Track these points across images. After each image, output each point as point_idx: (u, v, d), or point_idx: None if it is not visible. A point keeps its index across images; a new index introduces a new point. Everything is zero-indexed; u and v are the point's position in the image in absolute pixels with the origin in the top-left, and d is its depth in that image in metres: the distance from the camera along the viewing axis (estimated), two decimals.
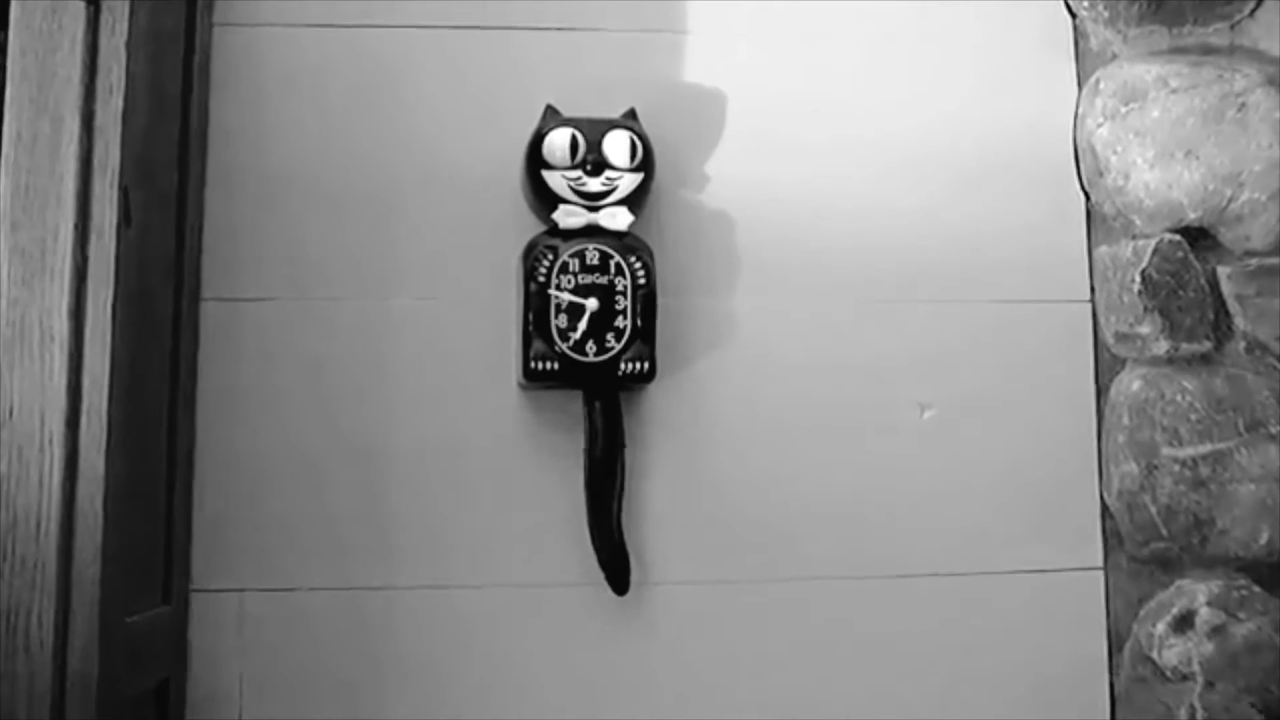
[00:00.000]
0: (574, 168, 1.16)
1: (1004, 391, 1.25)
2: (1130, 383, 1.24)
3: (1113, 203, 1.26)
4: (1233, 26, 1.31)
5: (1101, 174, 1.26)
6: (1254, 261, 1.25)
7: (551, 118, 1.19)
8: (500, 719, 1.16)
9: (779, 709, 1.19)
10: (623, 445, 1.17)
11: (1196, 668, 1.19)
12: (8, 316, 0.85)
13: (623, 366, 1.15)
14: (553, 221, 1.16)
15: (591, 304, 1.15)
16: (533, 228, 1.19)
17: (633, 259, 1.16)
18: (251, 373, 1.18)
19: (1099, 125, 1.26)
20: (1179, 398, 1.22)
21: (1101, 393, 1.27)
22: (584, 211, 1.16)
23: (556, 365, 1.14)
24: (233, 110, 1.20)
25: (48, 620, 0.82)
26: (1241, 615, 1.20)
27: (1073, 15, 1.31)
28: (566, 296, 1.15)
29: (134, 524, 0.95)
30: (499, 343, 1.19)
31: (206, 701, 1.13)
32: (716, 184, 1.24)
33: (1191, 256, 1.23)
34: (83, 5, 0.88)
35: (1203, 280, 1.23)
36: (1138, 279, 1.22)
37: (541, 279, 1.15)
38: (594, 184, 1.16)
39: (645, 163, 1.17)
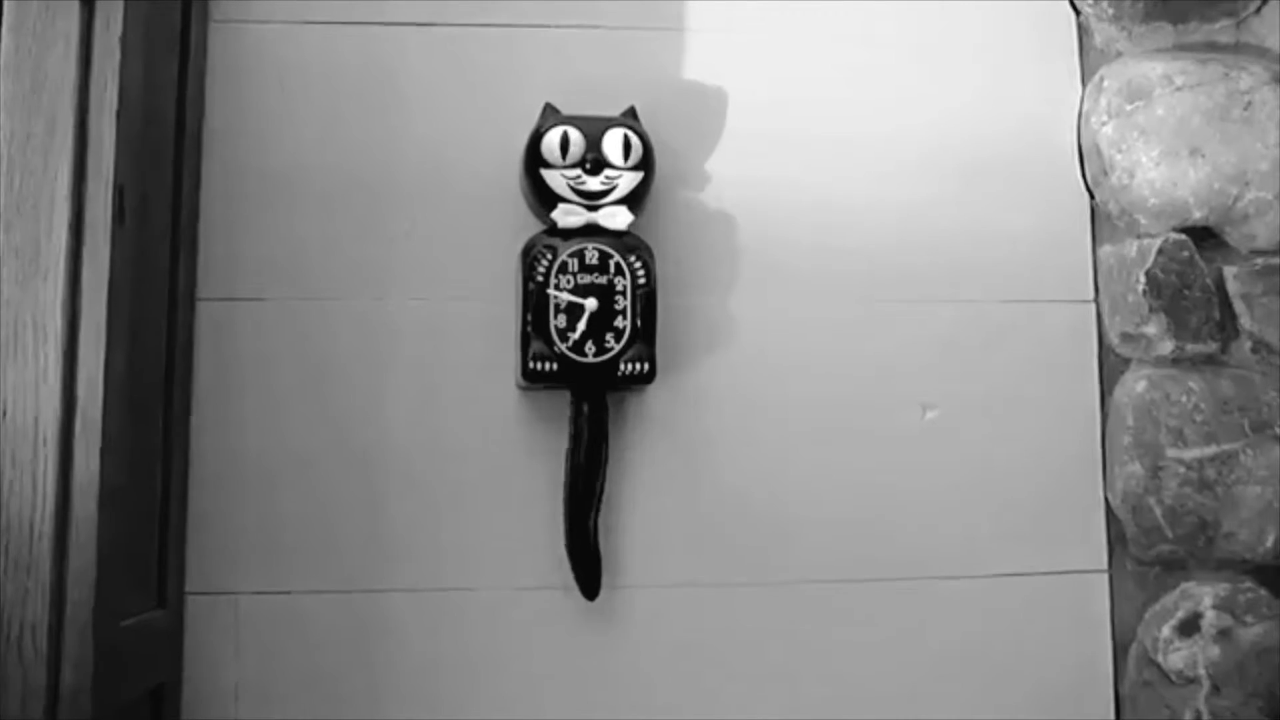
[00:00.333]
0: (573, 166, 1.16)
1: (1007, 392, 1.25)
2: (1135, 383, 1.24)
3: (1117, 202, 1.26)
4: (1238, 23, 1.31)
5: (1106, 172, 1.26)
6: (1260, 261, 1.25)
7: (550, 116, 1.19)
8: None
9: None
10: (606, 447, 1.17)
11: (1202, 672, 1.19)
12: (2, 317, 0.85)
13: (622, 367, 1.15)
14: (551, 221, 1.16)
15: (591, 304, 1.15)
16: (531, 227, 1.19)
17: (632, 258, 1.16)
18: (247, 373, 1.18)
19: (1103, 123, 1.26)
20: (1184, 399, 1.22)
21: (1106, 394, 1.27)
22: (583, 210, 1.16)
23: (555, 366, 1.15)
24: (229, 108, 1.20)
25: (41, 624, 0.82)
26: (1248, 618, 1.20)
27: (1077, 12, 1.31)
28: (565, 296, 1.15)
29: (129, 526, 0.95)
30: (497, 343, 1.19)
31: (202, 706, 1.13)
32: (717, 183, 1.25)
33: (1197, 256, 1.23)
34: (77, 4, 0.88)
35: (1208, 280, 1.23)
36: (1142, 279, 1.22)
37: (540, 278, 1.15)
38: (593, 183, 1.16)
39: (645, 161, 1.18)
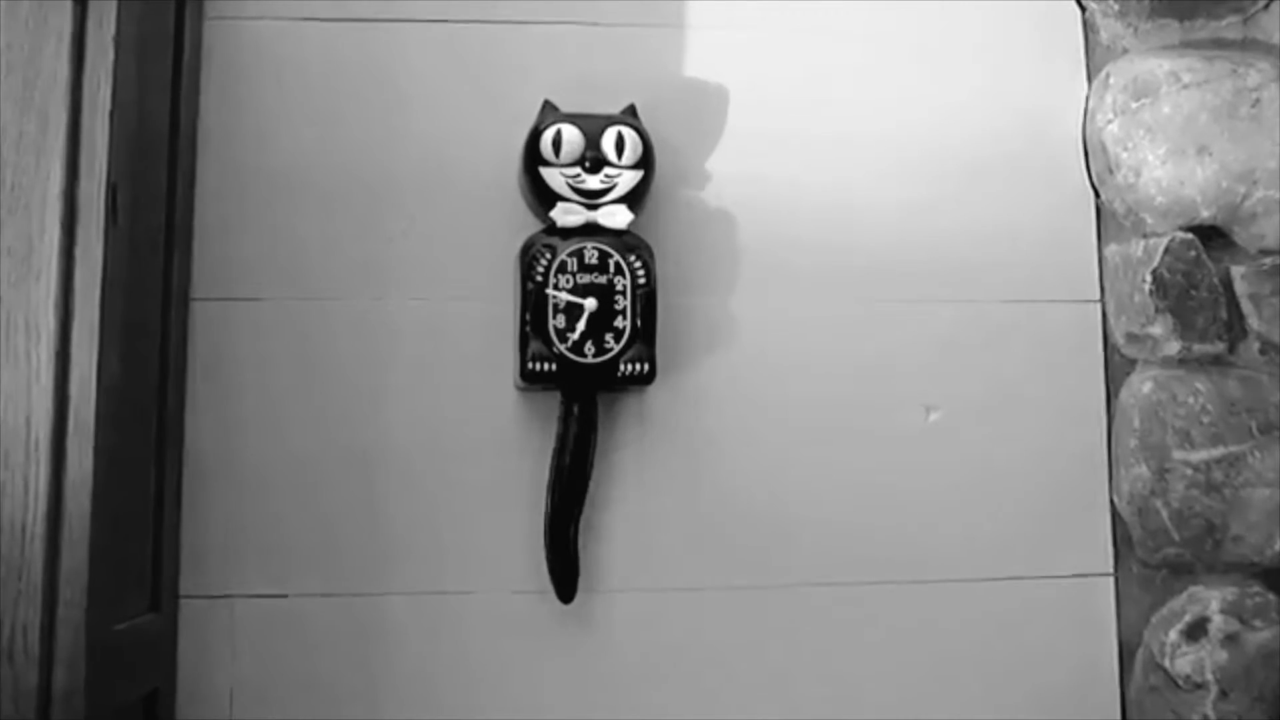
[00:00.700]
0: (572, 165, 1.16)
1: (1011, 393, 1.25)
2: (1141, 385, 1.24)
3: (1123, 200, 1.26)
4: (1246, 20, 1.31)
5: (1112, 171, 1.26)
6: (1268, 260, 1.25)
7: (550, 114, 1.19)
8: None
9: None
10: (593, 450, 1.17)
11: (1210, 676, 1.19)
12: None
13: (622, 368, 1.15)
14: (551, 220, 1.16)
15: (590, 304, 1.15)
16: (530, 226, 1.19)
17: (632, 258, 1.16)
18: (243, 374, 1.18)
19: (1109, 121, 1.26)
20: (1191, 400, 1.22)
21: (1111, 395, 1.27)
22: (582, 209, 1.16)
23: (554, 366, 1.15)
24: (224, 106, 1.21)
25: (33, 628, 0.82)
26: (1256, 623, 1.20)
27: (1082, 9, 1.31)
28: (565, 296, 1.15)
29: (122, 528, 0.95)
30: (496, 343, 1.19)
31: (196, 711, 1.13)
32: (718, 181, 1.25)
33: (1204, 255, 1.23)
34: (69, 3, 0.88)
35: (1215, 280, 1.23)
36: (1149, 278, 1.22)
37: (539, 278, 1.15)
38: (593, 181, 1.16)
39: (645, 160, 1.18)
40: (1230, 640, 1.20)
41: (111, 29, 0.89)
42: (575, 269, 1.15)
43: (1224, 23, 1.30)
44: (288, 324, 1.19)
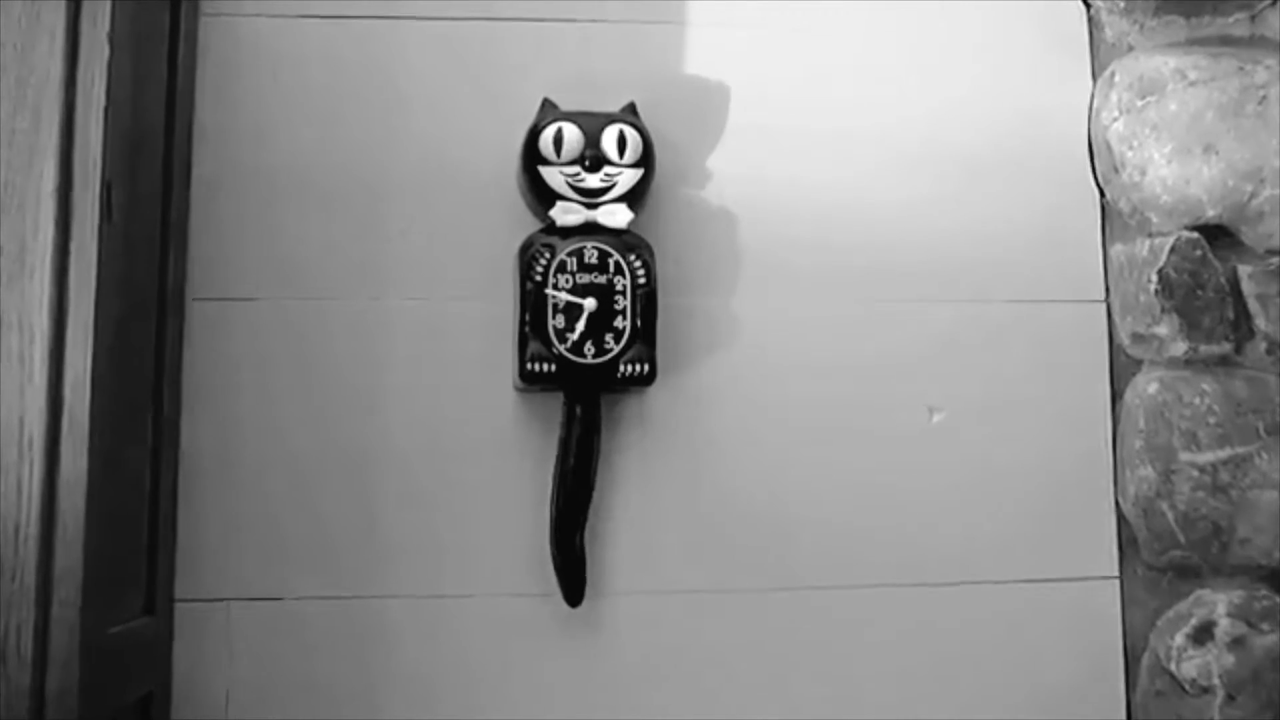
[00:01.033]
0: (572, 163, 1.16)
1: (1016, 394, 1.25)
2: (1146, 385, 1.24)
3: (1128, 199, 1.26)
4: (1253, 17, 1.31)
5: (1117, 169, 1.26)
6: (1275, 260, 1.25)
7: (549, 112, 1.19)
8: None
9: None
10: (597, 452, 1.17)
11: (1217, 680, 1.19)
12: None
13: (622, 368, 1.15)
14: (550, 219, 1.16)
15: (590, 304, 1.15)
16: (529, 225, 1.19)
17: (632, 257, 1.16)
18: (240, 374, 1.18)
19: (1114, 119, 1.26)
20: (1197, 401, 1.22)
21: (1117, 396, 1.27)
22: (582, 208, 1.16)
23: (553, 367, 1.15)
24: (220, 104, 1.21)
25: (27, 631, 0.82)
26: (1264, 626, 1.20)
27: (1087, 6, 1.31)
28: (564, 296, 1.15)
29: (116, 531, 0.95)
30: (494, 344, 1.19)
31: (192, 715, 1.13)
32: (719, 180, 1.25)
33: (1210, 255, 1.23)
34: (63, 2, 0.88)
35: (1222, 279, 1.23)
36: (1154, 278, 1.22)
37: (538, 278, 1.15)
38: (592, 180, 1.16)
39: (645, 158, 1.18)
40: (1237, 644, 1.20)
41: (106, 26, 0.89)
42: (575, 268, 1.15)
43: (1231, 19, 1.30)
44: (284, 324, 1.19)
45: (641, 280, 1.16)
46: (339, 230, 1.20)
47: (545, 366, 1.14)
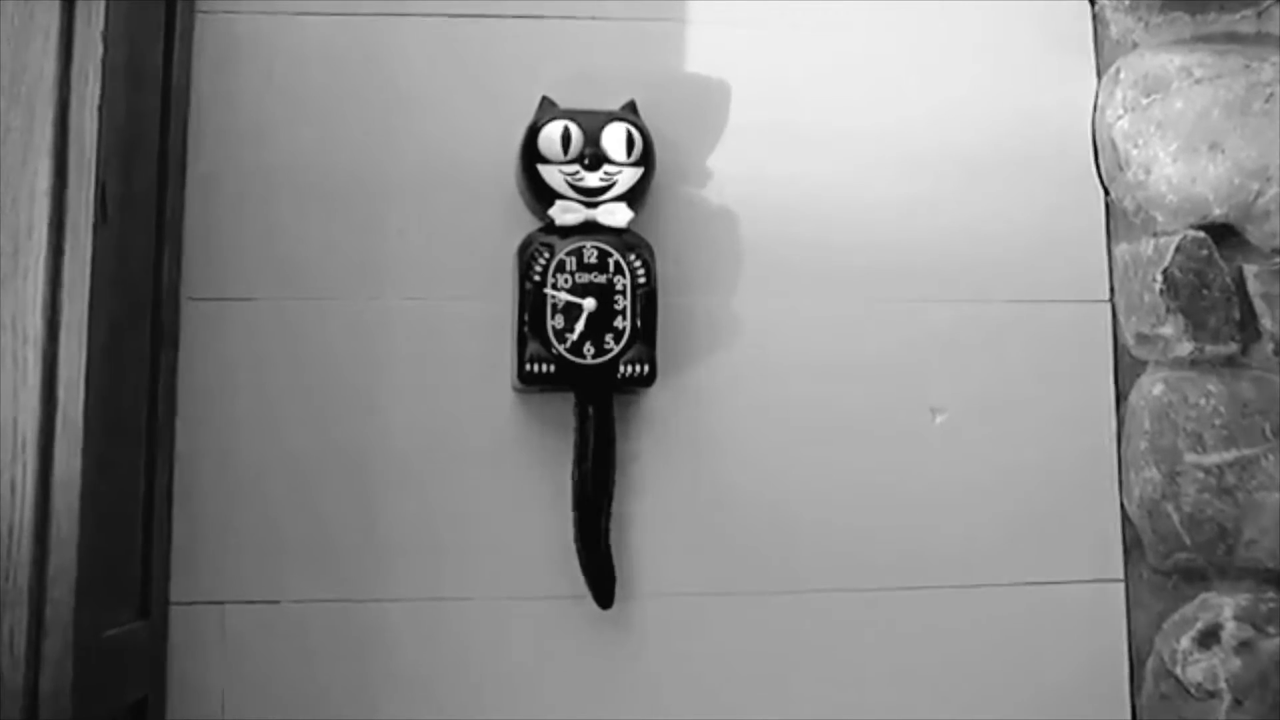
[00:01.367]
0: (571, 162, 1.16)
1: (1020, 395, 1.25)
2: (1152, 386, 1.24)
3: (1133, 198, 1.26)
4: (1260, 13, 1.30)
5: (1122, 168, 1.26)
6: None
7: (548, 110, 1.19)
8: None
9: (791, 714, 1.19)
10: (614, 452, 1.17)
11: (1223, 685, 1.19)
12: None
13: (622, 369, 1.15)
14: (549, 218, 1.16)
15: (589, 304, 1.15)
16: (528, 224, 1.19)
17: (632, 257, 1.16)
18: (236, 375, 1.18)
19: (1119, 117, 1.26)
20: (1203, 402, 1.22)
21: (1121, 397, 1.27)
22: (581, 208, 1.16)
23: (553, 368, 1.14)
24: (216, 101, 1.21)
25: (20, 635, 0.82)
26: (1270, 630, 1.20)
27: (1091, 2, 1.31)
28: (563, 296, 1.15)
29: (110, 533, 0.95)
30: (493, 344, 1.19)
31: None
32: (719, 179, 1.25)
33: (1216, 254, 1.23)
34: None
35: (1228, 279, 1.23)
36: (1160, 278, 1.22)
37: (537, 278, 1.15)
38: (592, 179, 1.16)
39: (645, 157, 1.18)
40: (1244, 647, 1.19)
41: (100, 23, 0.89)
42: (574, 268, 1.15)
43: (1237, 16, 1.30)
44: (281, 324, 1.19)
45: (641, 280, 1.16)
46: (336, 229, 1.20)
47: (544, 367, 1.14)
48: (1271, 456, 1.21)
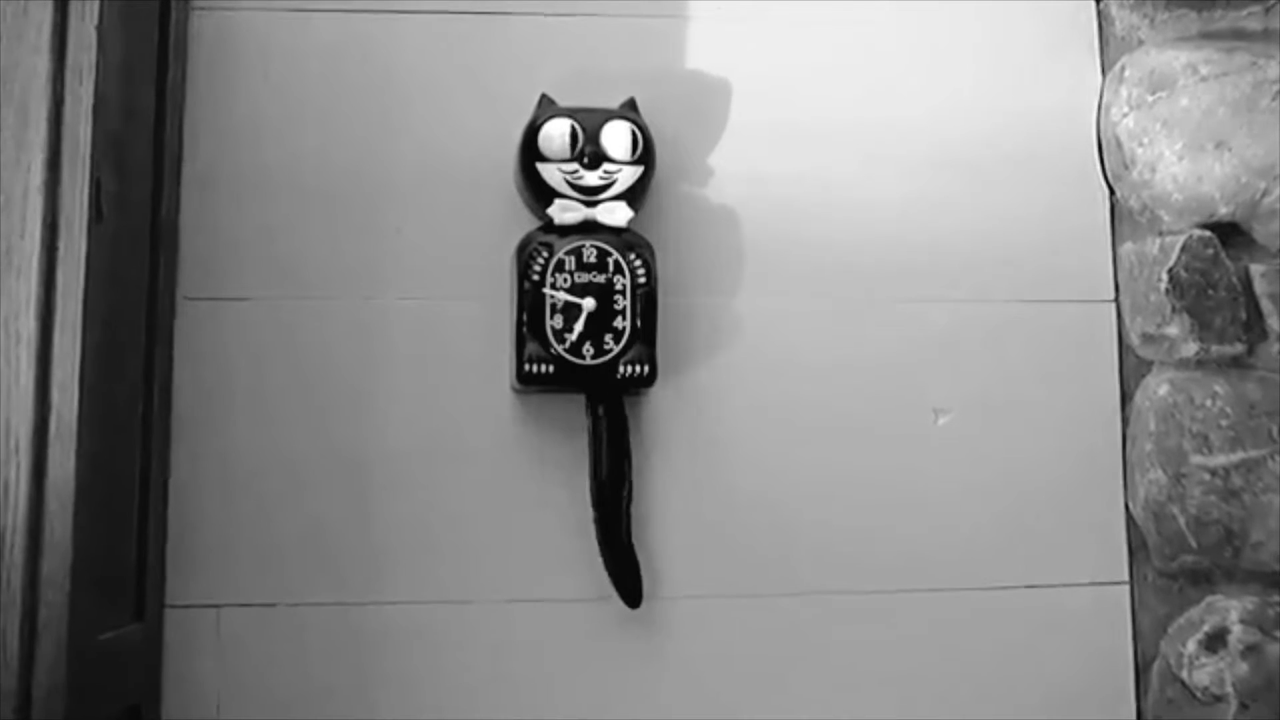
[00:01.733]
0: (570, 160, 1.16)
1: (1023, 396, 1.25)
2: (1157, 387, 1.24)
3: (1139, 197, 1.26)
4: (1267, 10, 1.30)
5: (1127, 166, 1.26)
6: None
7: (547, 107, 1.19)
8: None
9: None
10: (629, 448, 1.17)
11: (1230, 689, 1.19)
12: None
13: (621, 369, 1.15)
14: (548, 217, 1.16)
15: (589, 304, 1.15)
16: (527, 223, 1.19)
17: (632, 256, 1.16)
18: (232, 375, 1.18)
19: (1124, 115, 1.26)
20: (1209, 403, 1.22)
21: (1126, 397, 1.27)
22: (581, 206, 1.16)
23: (552, 368, 1.15)
24: (211, 99, 1.21)
25: (13, 639, 0.83)
26: (1277, 633, 1.20)
27: None
28: (562, 296, 1.15)
29: (104, 535, 0.95)
30: (492, 344, 1.19)
31: None
32: (720, 177, 1.25)
33: (1222, 254, 1.23)
34: None
35: (1234, 279, 1.23)
36: (1165, 277, 1.22)
37: (536, 277, 1.15)
38: (591, 177, 1.16)
39: (645, 155, 1.18)
40: (1251, 651, 1.19)
41: (94, 19, 0.89)
42: (573, 267, 1.15)
43: (1244, 13, 1.30)
44: (278, 324, 1.19)
45: (641, 279, 1.16)
46: (333, 228, 1.21)
47: (543, 368, 1.15)
48: (1278, 458, 1.21)
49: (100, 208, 0.90)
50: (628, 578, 1.17)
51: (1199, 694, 1.19)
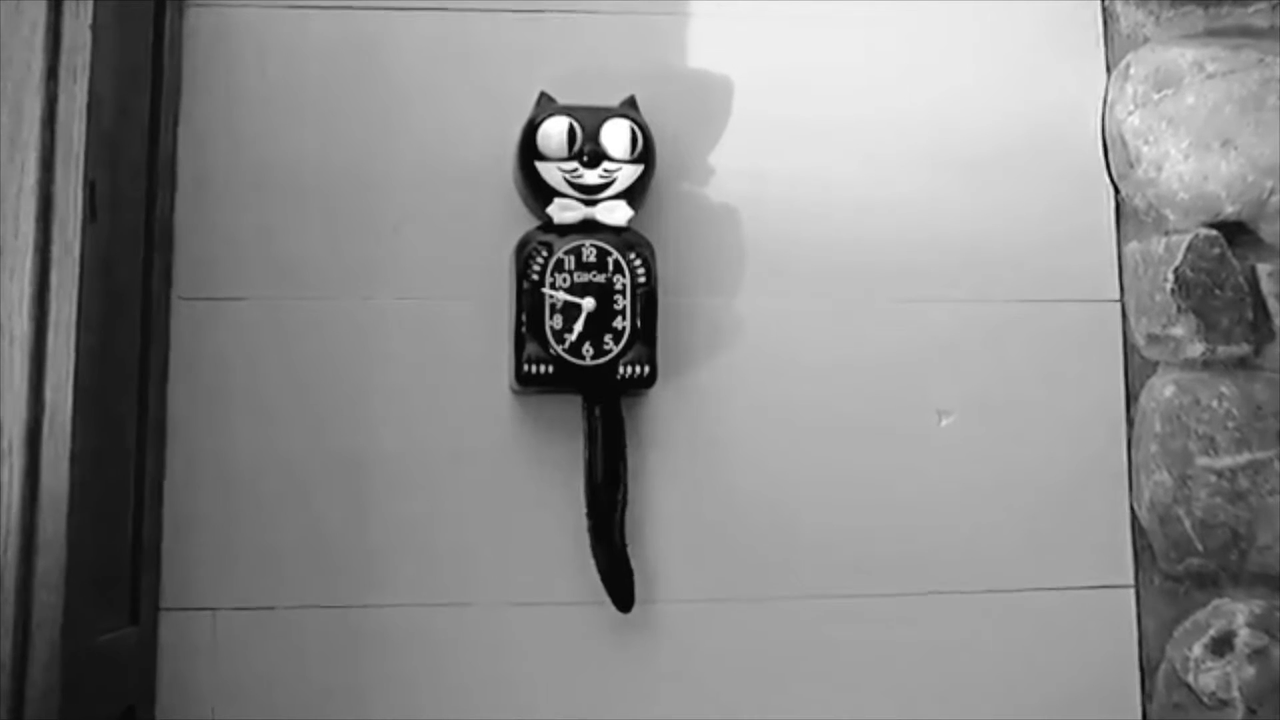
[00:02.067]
0: (570, 159, 1.16)
1: (1028, 397, 1.25)
2: (1163, 388, 1.24)
3: (1144, 196, 1.26)
4: (1274, 6, 1.30)
5: (1132, 165, 1.26)
6: None
7: (546, 105, 1.19)
8: None
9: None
10: (625, 449, 1.17)
11: (1236, 693, 1.19)
12: None
13: (621, 370, 1.15)
14: (547, 216, 1.16)
15: (588, 304, 1.15)
16: (526, 222, 1.19)
17: (632, 256, 1.16)
18: (228, 376, 1.18)
19: (1129, 113, 1.26)
20: (1215, 404, 1.22)
21: (1132, 398, 1.27)
22: (580, 205, 1.16)
23: (551, 369, 1.15)
24: (207, 97, 1.21)
25: (6, 641, 0.83)
26: None
27: None
28: (562, 296, 1.15)
29: (99, 537, 0.95)
30: (490, 345, 1.19)
31: None
32: (721, 176, 1.25)
33: (1229, 253, 1.23)
34: None
35: (1240, 278, 1.23)
36: (1171, 277, 1.22)
37: (535, 277, 1.15)
38: (591, 176, 1.16)
39: (645, 154, 1.18)
40: (1258, 655, 1.19)
41: (88, 17, 0.89)
42: (573, 267, 1.15)
43: (1251, 10, 1.30)
44: (274, 324, 1.19)
45: (641, 279, 1.16)
46: (330, 228, 1.21)
47: (542, 368, 1.15)
48: None
49: (94, 207, 0.90)
50: (620, 582, 1.17)
51: (1205, 698, 1.19)
